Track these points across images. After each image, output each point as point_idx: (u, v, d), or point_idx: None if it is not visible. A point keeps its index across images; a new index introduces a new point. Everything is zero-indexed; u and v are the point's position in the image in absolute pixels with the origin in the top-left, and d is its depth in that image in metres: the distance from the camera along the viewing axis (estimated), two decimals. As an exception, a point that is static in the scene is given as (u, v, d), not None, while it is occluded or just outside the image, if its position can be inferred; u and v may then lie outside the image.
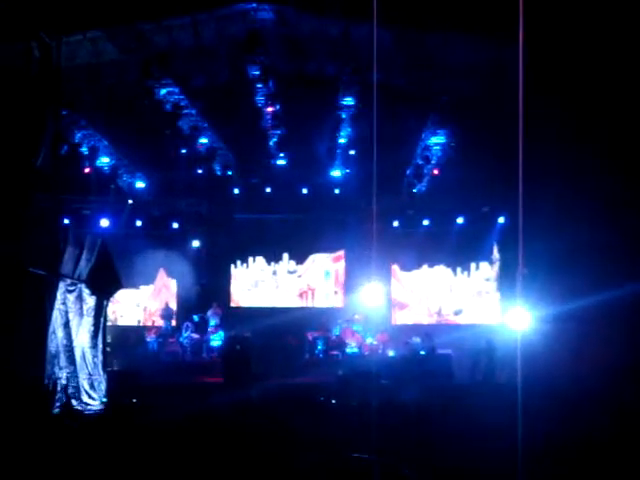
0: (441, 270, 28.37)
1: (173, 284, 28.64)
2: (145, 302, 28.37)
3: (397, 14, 15.29)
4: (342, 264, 28.68)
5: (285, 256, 28.69)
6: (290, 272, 28.75)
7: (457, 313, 28.16)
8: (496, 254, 27.59)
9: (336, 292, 28.71)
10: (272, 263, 28.73)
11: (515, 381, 9.40)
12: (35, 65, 17.02)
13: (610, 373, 17.88)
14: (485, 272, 28.14)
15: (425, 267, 28.40)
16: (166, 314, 27.26)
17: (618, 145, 17.03)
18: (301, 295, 28.77)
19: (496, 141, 17.64)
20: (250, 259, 28.68)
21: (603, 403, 15.96)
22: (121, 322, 23.32)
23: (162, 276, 28.52)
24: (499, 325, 25.30)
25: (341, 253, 28.63)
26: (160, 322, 27.52)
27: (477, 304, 28.08)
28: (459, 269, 28.26)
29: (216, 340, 25.64)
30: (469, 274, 28.23)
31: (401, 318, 28.23)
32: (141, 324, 28.07)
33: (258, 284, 28.79)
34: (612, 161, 17.51)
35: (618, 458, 11.18)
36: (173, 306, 28.02)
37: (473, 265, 28.17)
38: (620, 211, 18.12)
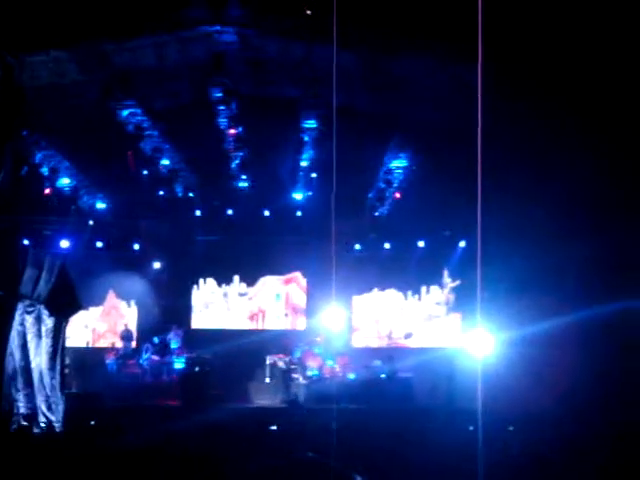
0: (392, 294, 28.49)
1: (123, 305, 28.50)
2: (94, 323, 28.15)
3: (360, 36, 15.41)
4: (293, 286, 28.69)
5: (236, 278, 28.69)
6: (241, 294, 28.74)
7: (407, 337, 28.24)
8: (447, 278, 27.80)
9: (286, 314, 28.68)
10: (223, 285, 28.73)
11: (475, 405, 9.41)
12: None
13: (570, 399, 17.99)
14: (436, 296, 28.28)
15: (376, 290, 28.50)
16: (126, 335, 27.09)
17: (583, 163, 17.19)
18: (252, 317, 28.73)
19: (458, 164, 17.73)
20: (201, 281, 28.66)
21: (563, 429, 16.03)
22: (68, 343, 23.08)
23: (112, 297, 28.37)
24: (460, 349, 25.41)
25: (292, 275, 28.64)
26: (119, 344, 27.37)
27: (428, 328, 28.22)
28: (410, 292, 28.40)
29: (179, 362, 25.50)
30: (420, 298, 28.38)
31: (360, 341, 28.25)
32: (89, 345, 27.85)
33: (209, 306, 28.76)
34: (574, 183, 17.68)
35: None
36: (121, 327, 27.85)
37: (424, 289, 28.32)
38: (582, 231, 18.28)
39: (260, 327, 28.58)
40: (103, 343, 28.09)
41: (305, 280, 28.61)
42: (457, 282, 27.66)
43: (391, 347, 27.74)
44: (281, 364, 24.93)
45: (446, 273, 27.80)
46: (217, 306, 28.68)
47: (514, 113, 16.62)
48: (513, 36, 14.48)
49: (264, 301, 28.72)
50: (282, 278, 28.72)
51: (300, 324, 28.56)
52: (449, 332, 27.81)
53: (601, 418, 16.63)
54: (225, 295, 28.70)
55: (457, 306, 27.89)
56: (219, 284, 28.64)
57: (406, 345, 28.04)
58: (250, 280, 28.68)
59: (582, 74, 15.57)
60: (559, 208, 18.58)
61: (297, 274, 28.59)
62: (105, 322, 28.28)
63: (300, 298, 28.62)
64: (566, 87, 15.97)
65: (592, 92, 15.82)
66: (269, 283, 28.73)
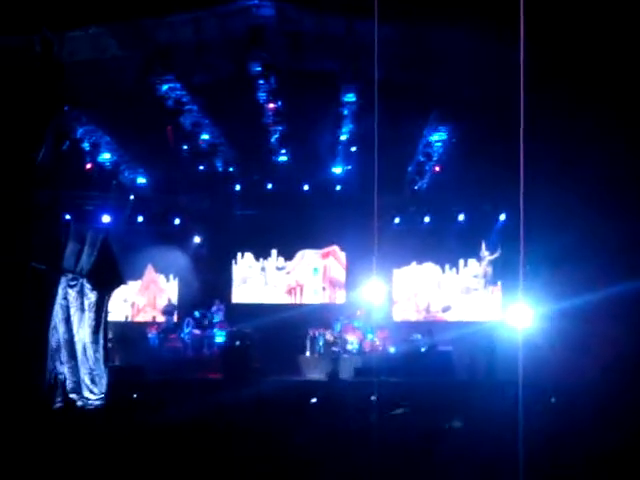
0: (430, 267, 28.47)
1: (162, 280, 28.79)
2: (133, 298, 28.43)
3: (400, 10, 15.30)
4: (331, 260, 28.73)
5: (273, 252, 28.85)
6: (278, 268, 28.85)
7: (445, 310, 28.19)
8: (485, 251, 27.67)
9: (324, 288, 28.77)
10: (260, 259, 28.88)
11: (516, 379, 9.41)
12: (37, 61, 17.00)
13: (615, 371, 17.91)
14: (474, 269, 28.24)
15: (414, 264, 28.47)
16: (168, 310, 27.29)
17: (621, 140, 17.05)
18: (289, 291, 28.88)
19: (498, 138, 17.65)
20: (239, 255, 28.85)
21: (606, 401, 15.97)
22: (109, 318, 23.38)
23: (150, 271, 28.59)
24: (499, 322, 25.38)
25: (330, 249, 28.70)
26: (159, 318, 27.61)
27: (465, 301, 28.21)
28: (447, 266, 28.41)
29: (220, 336, 25.64)
30: (457, 271, 28.36)
31: (400, 315, 28.25)
32: (129, 320, 28.13)
33: (246, 280, 28.90)
34: (615, 157, 17.54)
35: (620, 457, 11.18)
36: (161, 301, 28.12)
37: (462, 262, 28.30)
38: (623, 207, 18.15)
39: (298, 301, 28.71)
40: (142, 317, 28.41)
41: (343, 254, 28.66)
42: (495, 255, 27.55)
43: (430, 321, 27.74)
44: (327, 337, 25.04)
45: (484, 246, 27.69)
46: (255, 280, 28.82)
47: (556, 93, 16.47)
48: (555, 19, 14.38)
49: (302, 275, 28.83)
50: (320, 252, 28.80)
51: (339, 298, 28.63)
52: (487, 305, 27.75)
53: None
54: (263, 269, 28.83)
55: (495, 279, 27.84)
56: (257, 258, 28.78)
57: (445, 319, 28.05)
58: (288, 254, 28.82)
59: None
60: (599, 186, 18.47)
61: (335, 248, 28.61)
62: (144, 296, 28.53)
63: (338, 272, 28.67)
64: (609, 67, 15.86)
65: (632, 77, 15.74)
66: (307, 257, 28.84)
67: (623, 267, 18.58)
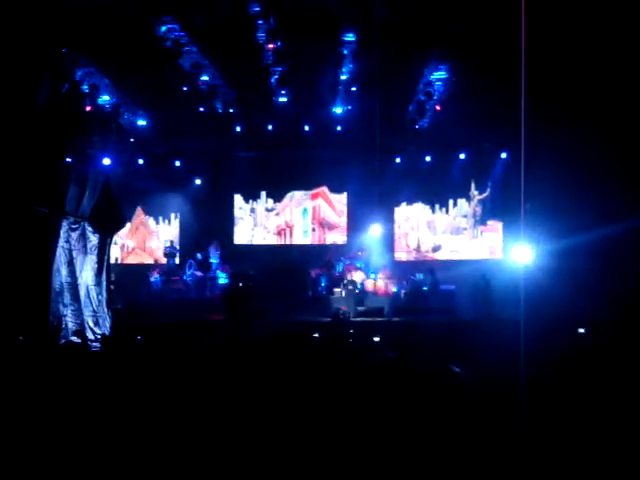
0: (419, 207, 28.56)
1: (151, 222, 29.11)
2: (122, 240, 28.67)
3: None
4: (320, 201, 28.86)
5: (263, 194, 29.00)
6: (268, 210, 28.91)
7: (436, 249, 28.26)
8: (474, 191, 27.70)
9: (314, 229, 28.89)
10: (250, 200, 29.03)
11: (516, 316, 9.49)
12: (35, 3, 16.87)
13: (609, 305, 18.09)
14: (463, 208, 28.34)
15: (403, 205, 28.55)
16: (169, 252, 27.38)
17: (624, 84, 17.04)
18: (279, 233, 29.04)
19: (499, 76, 17.57)
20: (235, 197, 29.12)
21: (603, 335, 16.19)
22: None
23: (139, 214, 28.71)
24: (500, 260, 25.56)
25: (319, 190, 28.84)
26: (148, 260, 27.87)
27: (456, 241, 28.29)
28: (437, 206, 28.50)
29: (222, 278, 25.77)
30: (447, 211, 28.39)
31: (400, 254, 28.36)
32: (119, 262, 28.29)
33: (238, 222, 29.17)
34: (618, 97, 17.52)
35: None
36: (152, 244, 28.24)
37: (451, 202, 28.42)
38: (623, 147, 18.17)
39: (287, 242, 29.05)
40: (132, 259, 28.71)
41: (335, 195, 28.89)
42: (485, 194, 27.61)
43: (433, 260, 27.85)
44: (323, 278, 25.16)
45: (473, 186, 27.71)
46: (245, 222, 29.06)
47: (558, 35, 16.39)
48: None
49: (291, 216, 29.07)
50: (309, 193, 29.01)
51: (328, 239, 28.84)
52: (484, 244, 27.85)
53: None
54: (252, 211, 29.09)
55: (484, 218, 27.94)
56: (246, 200, 29.15)
57: (435, 258, 28.17)
58: (277, 196, 29.20)
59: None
60: (600, 128, 18.48)
61: (324, 189, 28.73)
62: (133, 239, 28.71)
63: (328, 212, 28.83)
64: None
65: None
66: (296, 198, 29.08)
67: (619, 208, 18.68)
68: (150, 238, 28.85)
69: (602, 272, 18.99)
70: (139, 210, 28.60)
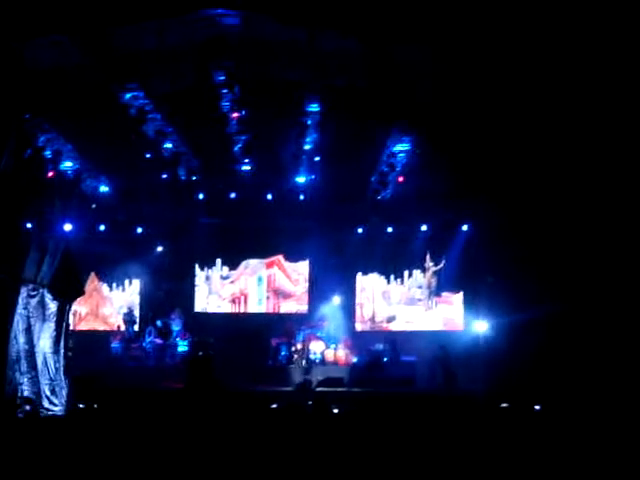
0: (374, 278, 28.50)
1: (105, 288, 28.81)
2: (74, 306, 28.23)
3: (362, 22, 15.34)
4: (275, 270, 28.79)
5: (218, 261, 28.91)
6: (223, 277, 28.87)
7: (390, 320, 28.21)
8: (429, 262, 27.78)
9: (268, 297, 28.77)
10: (205, 268, 28.93)
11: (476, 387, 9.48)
12: (-2, 68, 16.88)
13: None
14: (418, 280, 28.32)
15: (359, 275, 28.52)
16: (128, 319, 27.17)
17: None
18: (233, 301, 28.85)
19: (461, 149, 17.74)
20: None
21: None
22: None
23: (93, 280, 28.46)
24: (458, 332, 25.66)
25: (274, 259, 28.78)
26: (100, 326, 27.73)
27: (410, 311, 28.22)
28: (392, 277, 28.46)
29: (182, 346, 25.61)
30: (402, 282, 28.41)
31: (360, 325, 28.29)
32: (70, 329, 27.92)
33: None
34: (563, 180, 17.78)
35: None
36: (108, 311, 27.98)
37: (406, 273, 28.43)
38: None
39: (242, 311, 28.85)
40: (84, 326, 28.28)
41: (289, 263, 28.84)
42: (440, 266, 27.69)
43: (388, 330, 27.76)
44: (290, 347, 25.10)
45: (428, 257, 27.80)
46: (200, 289, 29.01)
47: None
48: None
49: (246, 284, 28.89)
50: (264, 261, 28.83)
51: (283, 307, 28.72)
52: (439, 315, 27.83)
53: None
54: (207, 278, 29.00)
55: (439, 290, 27.98)
56: (201, 268, 29.07)
57: (389, 329, 28.11)
58: (232, 263, 29.01)
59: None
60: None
61: (279, 257, 28.69)
62: (86, 305, 28.34)
63: (282, 281, 28.74)
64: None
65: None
66: (251, 266, 28.89)
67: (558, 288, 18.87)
68: (103, 304, 28.59)
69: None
70: (92, 276, 28.31)
